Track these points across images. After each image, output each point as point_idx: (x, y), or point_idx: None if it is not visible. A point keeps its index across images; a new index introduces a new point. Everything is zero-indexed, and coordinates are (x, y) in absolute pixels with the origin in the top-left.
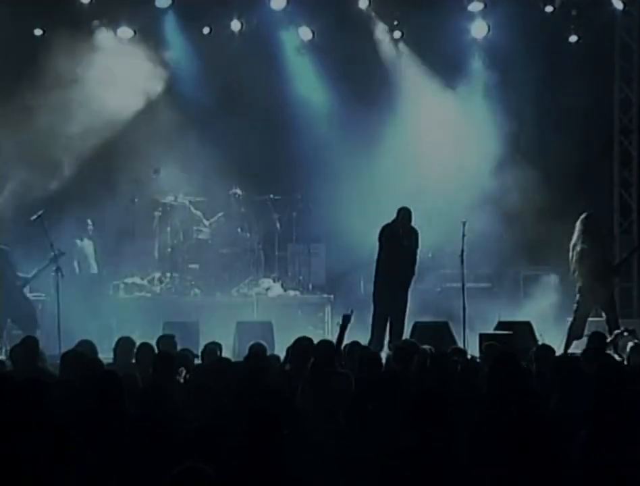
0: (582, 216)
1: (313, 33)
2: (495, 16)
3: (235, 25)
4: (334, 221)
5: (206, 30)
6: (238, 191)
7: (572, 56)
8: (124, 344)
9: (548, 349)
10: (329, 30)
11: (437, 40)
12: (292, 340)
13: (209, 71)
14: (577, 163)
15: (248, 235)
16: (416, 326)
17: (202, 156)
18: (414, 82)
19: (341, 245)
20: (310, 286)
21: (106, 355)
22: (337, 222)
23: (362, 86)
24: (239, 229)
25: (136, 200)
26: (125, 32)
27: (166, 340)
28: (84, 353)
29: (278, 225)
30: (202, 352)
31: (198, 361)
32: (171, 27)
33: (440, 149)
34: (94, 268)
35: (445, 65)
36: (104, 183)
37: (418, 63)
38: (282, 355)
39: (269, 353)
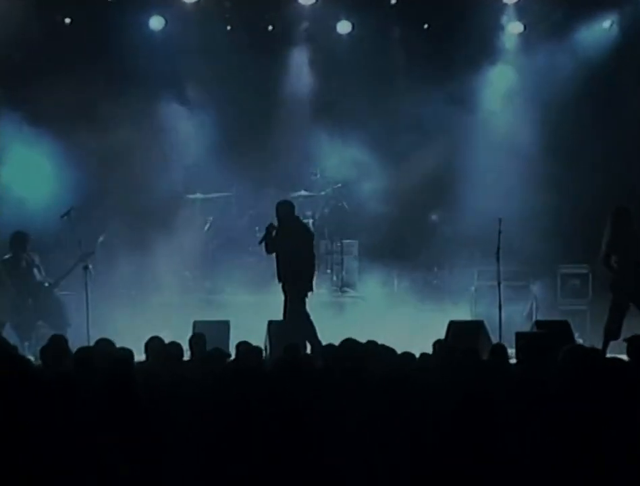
0: (613, 210)
1: (353, 25)
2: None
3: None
4: (367, 217)
5: (229, 28)
6: (269, 188)
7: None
8: (155, 344)
9: (583, 350)
10: (369, 21)
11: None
12: (325, 340)
13: (241, 67)
14: (616, 157)
15: None
16: (452, 325)
17: (234, 152)
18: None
19: (374, 242)
20: (343, 284)
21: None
22: (371, 218)
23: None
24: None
25: (165, 197)
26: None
27: (197, 339)
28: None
29: (310, 222)
30: (237, 352)
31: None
32: (199, 21)
33: (474, 143)
34: (124, 266)
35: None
36: (133, 179)
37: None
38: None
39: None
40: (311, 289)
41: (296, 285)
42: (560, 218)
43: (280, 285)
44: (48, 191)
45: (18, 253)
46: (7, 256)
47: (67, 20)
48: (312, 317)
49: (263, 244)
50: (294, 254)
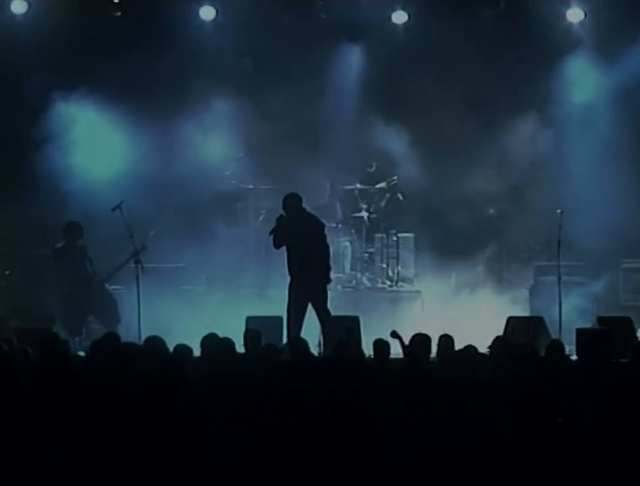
0: None
1: (409, 15)
2: None
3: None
4: (424, 210)
5: (286, 19)
6: (323, 181)
7: None
8: (210, 340)
9: None
10: (426, 11)
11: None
12: (380, 335)
13: (295, 57)
14: None
15: (334, 225)
16: (510, 320)
17: (287, 144)
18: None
19: (431, 236)
20: (399, 279)
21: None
22: (427, 212)
23: (459, 68)
24: (324, 220)
25: (219, 189)
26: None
27: (252, 336)
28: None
29: (365, 215)
30: (292, 347)
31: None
32: (255, 9)
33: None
34: (176, 261)
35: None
36: (186, 170)
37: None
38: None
39: (355, 349)
40: (329, 280)
41: (307, 278)
42: (623, 212)
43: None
44: (107, 181)
45: (70, 243)
46: (58, 246)
47: (118, 13)
48: (365, 311)
49: (271, 237)
50: (305, 247)
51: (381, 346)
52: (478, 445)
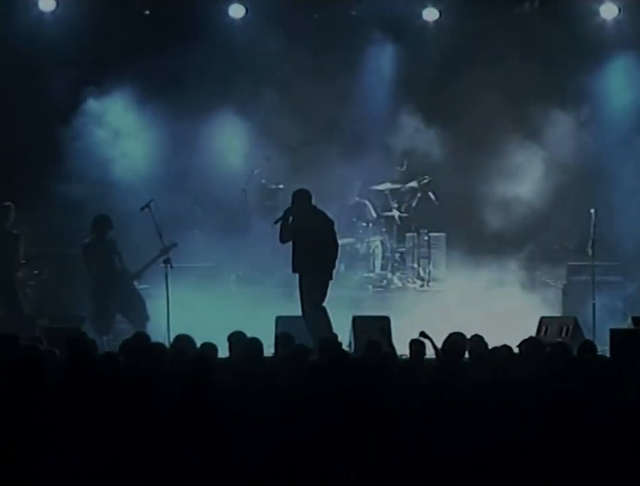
0: None
1: (440, 13)
2: None
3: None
4: (456, 209)
5: (316, 15)
6: (354, 180)
7: None
8: (237, 339)
9: None
10: (456, 8)
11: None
12: (411, 336)
13: (325, 54)
14: None
15: (365, 225)
16: (543, 320)
17: (316, 143)
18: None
19: (462, 235)
20: (430, 278)
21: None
22: (459, 211)
23: (492, 67)
24: (354, 219)
25: (246, 188)
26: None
27: (283, 338)
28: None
29: (396, 214)
30: (320, 348)
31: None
32: (284, 7)
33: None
34: (205, 260)
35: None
36: (210, 173)
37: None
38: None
39: (385, 349)
40: (331, 278)
41: (314, 274)
42: None
43: (298, 275)
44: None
45: (99, 237)
46: (87, 240)
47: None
48: (396, 311)
49: (278, 233)
50: (312, 243)
51: (417, 346)
52: (511, 446)
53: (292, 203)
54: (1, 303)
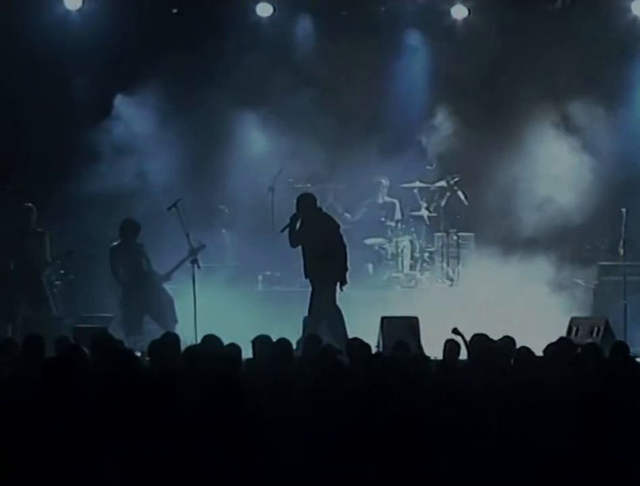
0: None
1: (469, 10)
2: None
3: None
4: (485, 209)
5: (345, 12)
6: (383, 179)
7: None
8: (262, 341)
9: None
10: (486, 6)
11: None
12: (440, 336)
13: (354, 52)
14: None
15: (394, 224)
16: (573, 321)
17: (341, 140)
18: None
19: (492, 235)
20: (459, 278)
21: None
22: (488, 210)
23: (522, 64)
24: (382, 219)
25: (274, 187)
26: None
27: (311, 340)
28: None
29: (425, 214)
30: (349, 349)
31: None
32: (312, 4)
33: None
34: (232, 261)
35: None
36: (238, 172)
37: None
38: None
39: (415, 350)
40: (344, 281)
41: (324, 278)
42: None
43: (309, 280)
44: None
45: (128, 241)
46: (116, 243)
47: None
48: (416, 310)
49: (287, 236)
50: (320, 247)
51: (451, 346)
52: (542, 449)
53: (297, 208)
54: (29, 303)
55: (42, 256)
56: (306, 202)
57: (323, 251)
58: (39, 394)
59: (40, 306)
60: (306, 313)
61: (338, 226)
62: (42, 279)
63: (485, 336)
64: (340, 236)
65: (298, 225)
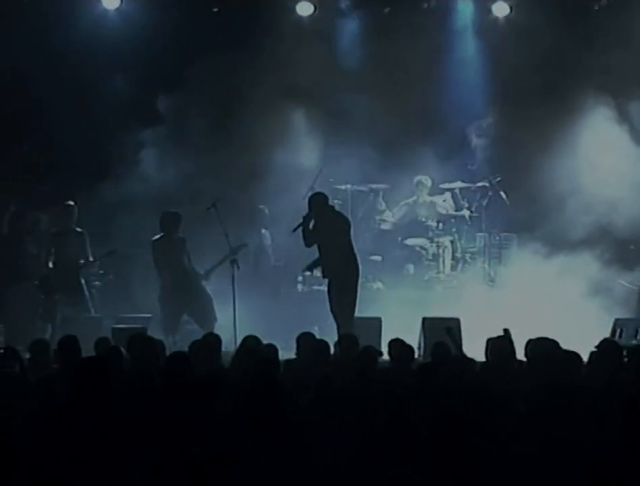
0: None
1: (511, 8)
2: None
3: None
4: (527, 209)
5: (387, 10)
6: (423, 179)
7: None
8: (305, 340)
9: None
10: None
11: None
12: (482, 337)
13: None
14: None
15: (435, 225)
16: (617, 322)
17: (386, 140)
18: None
19: (534, 235)
20: (501, 279)
21: (286, 352)
22: (531, 211)
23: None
24: (423, 219)
25: (314, 187)
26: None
27: (348, 339)
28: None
29: (467, 214)
30: (389, 350)
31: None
32: (354, 3)
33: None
34: (272, 261)
35: None
36: (279, 172)
37: None
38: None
39: (455, 351)
40: (358, 277)
41: (344, 275)
42: None
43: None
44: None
45: (170, 235)
46: (157, 237)
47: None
48: (457, 310)
49: (301, 236)
50: (336, 245)
51: (500, 347)
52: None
53: (309, 208)
54: (69, 302)
55: (82, 255)
56: (317, 201)
57: (340, 248)
58: (72, 395)
59: (78, 306)
60: None
61: (349, 224)
62: (81, 279)
63: (544, 339)
64: (349, 234)
65: (311, 225)
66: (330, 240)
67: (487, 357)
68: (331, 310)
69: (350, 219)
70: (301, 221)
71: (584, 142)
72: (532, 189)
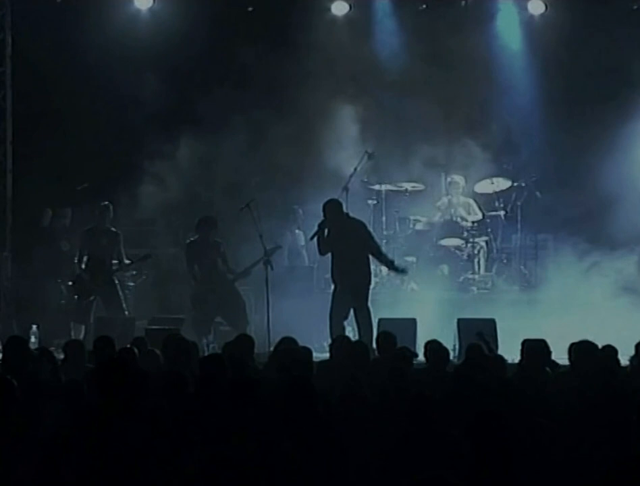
0: None
1: (546, 6)
2: None
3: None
4: (564, 210)
5: (421, 7)
6: (457, 178)
7: None
8: (340, 342)
9: None
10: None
11: None
12: (517, 339)
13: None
14: None
15: (470, 225)
16: None
17: (418, 140)
18: None
19: (570, 236)
20: (537, 281)
21: (318, 353)
22: (568, 211)
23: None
24: (458, 219)
25: (349, 187)
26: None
27: (385, 338)
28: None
29: (502, 214)
30: (425, 351)
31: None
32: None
33: None
34: (306, 261)
35: None
36: (312, 171)
37: None
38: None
39: (490, 352)
40: (397, 269)
41: (349, 284)
42: None
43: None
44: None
45: (205, 238)
46: (192, 239)
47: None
48: (492, 312)
49: (316, 245)
50: (348, 253)
51: (536, 349)
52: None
53: (324, 215)
54: (103, 303)
55: (116, 255)
56: (332, 208)
57: (352, 256)
58: (99, 397)
59: (112, 306)
60: (380, 315)
61: (365, 225)
62: (115, 279)
63: (588, 343)
64: (369, 233)
65: (326, 233)
66: (344, 247)
67: (522, 358)
68: (330, 315)
69: (384, 218)
70: (316, 229)
71: (636, 146)
72: (576, 191)
